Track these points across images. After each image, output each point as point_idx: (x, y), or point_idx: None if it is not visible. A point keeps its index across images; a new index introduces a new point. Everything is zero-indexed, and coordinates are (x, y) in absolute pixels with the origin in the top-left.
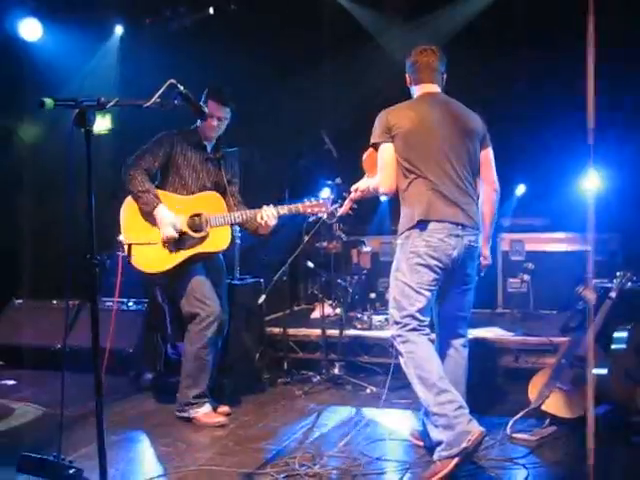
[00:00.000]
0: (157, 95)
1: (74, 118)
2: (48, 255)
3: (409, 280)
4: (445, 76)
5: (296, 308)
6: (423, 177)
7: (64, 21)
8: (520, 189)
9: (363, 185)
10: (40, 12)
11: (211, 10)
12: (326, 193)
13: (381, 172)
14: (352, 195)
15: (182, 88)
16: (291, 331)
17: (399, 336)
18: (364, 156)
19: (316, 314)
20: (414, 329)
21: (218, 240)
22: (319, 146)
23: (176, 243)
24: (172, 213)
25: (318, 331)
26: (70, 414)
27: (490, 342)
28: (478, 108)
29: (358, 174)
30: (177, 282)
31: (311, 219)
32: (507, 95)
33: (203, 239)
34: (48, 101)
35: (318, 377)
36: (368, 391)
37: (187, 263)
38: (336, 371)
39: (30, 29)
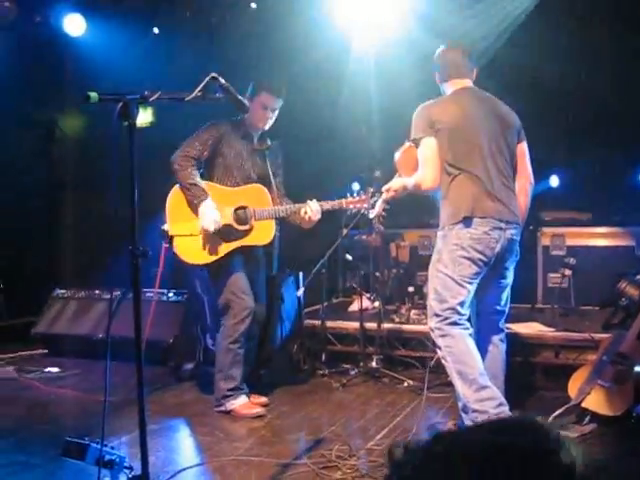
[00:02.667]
0: (199, 89)
1: (118, 111)
2: (90, 245)
3: (451, 272)
4: (476, 70)
5: (334, 301)
6: (468, 172)
7: (107, 16)
8: (553, 180)
9: (397, 184)
10: (84, 7)
11: (253, 5)
12: (356, 186)
13: (424, 167)
14: (384, 196)
15: (223, 81)
16: (329, 323)
17: (438, 329)
18: (397, 154)
19: (354, 307)
20: (455, 323)
21: (262, 234)
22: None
23: (220, 235)
24: (216, 209)
25: (356, 324)
26: (112, 402)
27: (528, 337)
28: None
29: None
30: (216, 274)
31: (349, 212)
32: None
33: (247, 232)
34: (93, 95)
35: (356, 370)
36: (405, 384)
37: (229, 255)
38: (374, 364)
39: (74, 24)
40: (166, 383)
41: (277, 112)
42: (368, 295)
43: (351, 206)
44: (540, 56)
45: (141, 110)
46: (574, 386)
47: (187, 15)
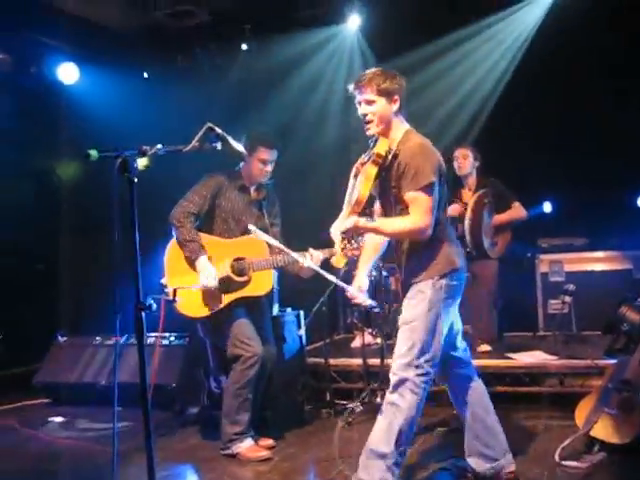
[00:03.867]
0: (196, 140)
1: (117, 167)
2: (90, 292)
3: (442, 324)
4: None
5: (336, 337)
6: (446, 221)
7: (99, 63)
8: (547, 206)
9: (364, 225)
10: (76, 56)
11: (244, 46)
12: None
13: (428, 214)
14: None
15: (220, 131)
16: (332, 361)
17: (413, 383)
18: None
19: (356, 343)
20: (428, 382)
21: (261, 284)
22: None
23: (220, 287)
24: (212, 266)
25: (359, 360)
26: (119, 451)
27: (532, 367)
28: None
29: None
30: (219, 326)
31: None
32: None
33: (246, 283)
34: (93, 153)
35: (361, 407)
36: None
37: (230, 306)
38: (378, 400)
39: (68, 73)
40: (171, 428)
41: (274, 163)
42: (370, 331)
43: (350, 254)
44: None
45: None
46: (581, 415)
47: (178, 59)
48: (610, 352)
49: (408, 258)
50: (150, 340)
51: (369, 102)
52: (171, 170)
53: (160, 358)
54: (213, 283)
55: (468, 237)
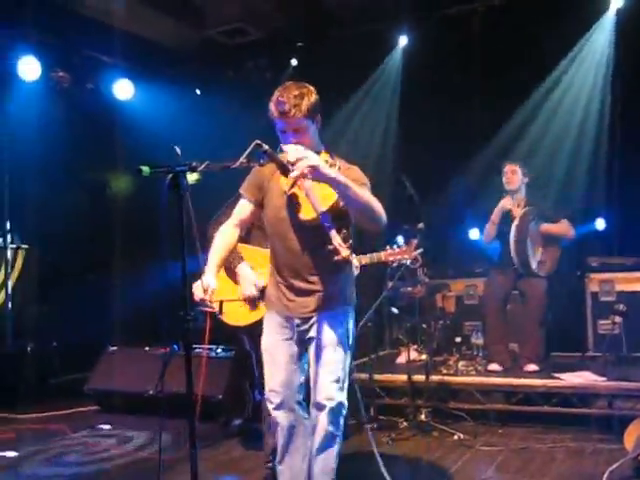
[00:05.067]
0: (244, 156)
1: (168, 183)
2: (141, 303)
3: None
4: None
5: (381, 353)
6: None
7: (154, 81)
8: (599, 223)
9: (344, 180)
10: (132, 73)
11: (294, 62)
12: (401, 240)
13: None
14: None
15: (267, 147)
16: (377, 376)
17: (345, 410)
18: None
19: (402, 359)
20: None
21: None
22: (399, 190)
23: (261, 295)
24: (253, 271)
25: (404, 376)
26: (164, 460)
27: (580, 387)
28: None
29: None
30: (260, 334)
31: (394, 265)
32: None
33: None
34: (145, 168)
35: (405, 423)
36: (455, 437)
37: None
38: (423, 417)
39: (123, 90)
40: (216, 439)
41: None
42: (415, 347)
43: (391, 258)
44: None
45: None
46: (630, 438)
47: (229, 75)
48: None
49: (321, 279)
50: (198, 352)
51: (298, 130)
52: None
53: (207, 370)
54: (254, 290)
55: (514, 255)
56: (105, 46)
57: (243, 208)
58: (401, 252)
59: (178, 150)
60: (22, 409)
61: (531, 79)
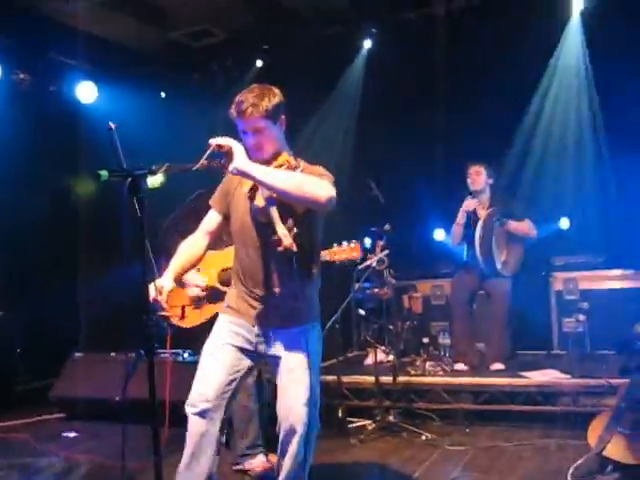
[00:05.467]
0: (204, 158)
1: (127, 186)
2: (106, 309)
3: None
4: None
5: (349, 355)
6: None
7: (117, 83)
8: (564, 223)
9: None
10: (95, 76)
11: (259, 63)
12: (368, 242)
13: (335, 190)
14: None
15: (225, 144)
16: (345, 378)
17: (313, 435)
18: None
19: (369, 360)
20: None
21: None
22: (364, 192)
23: (208, 298)
24: (198, 273)
25: (371, 378)
26: (129, 468)
27: (546, 385)
28: None
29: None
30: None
31: (360, 266)
32: None
33: None
34: (103, 173)
35: (373, 424)
36: (424, 438)
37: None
38: (391, 418)
39: (86, 92)
40: (183, 445)
41: None
42: (383, 348)
43: (336, 257)
44: None
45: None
46: (594, 434)
47: (194, 77)
48: (625, 371)
49: (289, 291)
50: (163, 357)
51: (258, 130)
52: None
53: (173, 375)
54: (198, 291)
55: (479, 255)
56: (68, 48)
57: (211, 219)
58: (349, 249)
59: (112, 125)
60: None
61: (499, 81)
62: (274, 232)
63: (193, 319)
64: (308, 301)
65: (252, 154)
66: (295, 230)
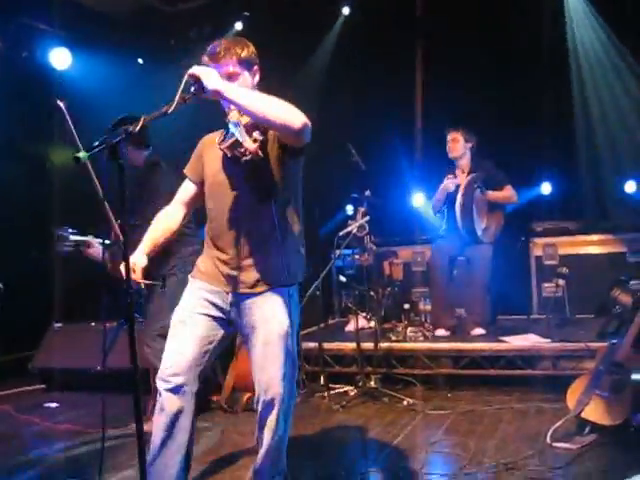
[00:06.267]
0: (178, 93)
1: (107, 154)
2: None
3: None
4: None
5: (331, 322)
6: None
7: (93, 49)
8: (546, 187)
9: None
10: (69, 42)
11: (238, 26)
12: (350, 209)
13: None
14: None
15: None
16: (326, 345)
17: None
18: None
19: (350, 327)
20: None
21: None
22: (345, 158)
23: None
24: None
25: (353, 344)
26: (112, 435)
27: (525, 350)
28: None
29: (385, 186)
30: None
31: (341, 233)
32: None
33: None
34: (82, 155)
35: (355, 390)
36: (405, 403)
37: None
38: (372, 384)
39: (60, 58)
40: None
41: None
42: (364, 314)
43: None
44: None
45: None
46: (573, 397)
47: (171, 44)
48: (602, 335)
49: (262, 249)
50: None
51: (231, 75)
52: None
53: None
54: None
55: (460, 220)
56: (41, 13)
57: (186, 190)
58: None
59: (61, 103)
60: None
61: (477, 41)
62: (240, 145)
63: None
64: (285, 261)
65: (225, 104)
66: (261, 138)
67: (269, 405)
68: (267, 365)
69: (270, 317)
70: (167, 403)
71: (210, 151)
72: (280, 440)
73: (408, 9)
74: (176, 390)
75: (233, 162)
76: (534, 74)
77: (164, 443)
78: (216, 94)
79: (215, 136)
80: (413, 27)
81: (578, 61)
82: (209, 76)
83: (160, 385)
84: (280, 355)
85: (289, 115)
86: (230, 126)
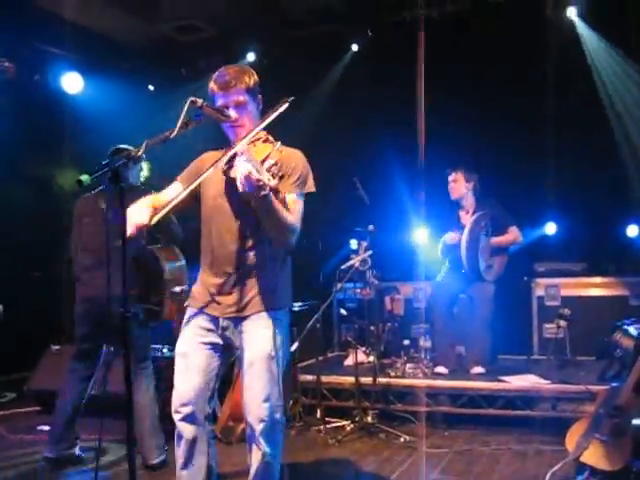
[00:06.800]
0: (181, 119)
1: (109, 178)
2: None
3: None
4: None
5: (330, 355)
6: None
7: (104, 74)
8: (550, 227)
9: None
10: (81, 66)
11: (251, 57)
12: (354, 243)
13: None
14: None
15: (201, 101)
16: (324, 378)
17: (282, 424)
18: None
19: (349, 361)
20: None
21: None
22: (349, 192)
23: None
24: None
25: (351, 379)
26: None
27: (525, 390)
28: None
29: (388, 221)
30: None
31: (343, 266)
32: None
33: None
34: (84, 178)
35: (351, 425)
36: (402, 440)
37: None
38: (369, 419)
39: (72, 83)
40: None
41: None
42: (363, 349)
43: None
44: None
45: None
46: (572, 440)
47: (182, 73)
48: (603, 378)
49: (255, 273)
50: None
51: (239, 104)
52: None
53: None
54: None
55: (465, 259)
56: (54, 37)
57: (174, 191)
58: None
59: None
60: None
61: (479, 86)
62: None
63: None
64: (274, 287)
65: (230, 132)
66: (279, 175)
67: (254, 427)
68: (252, 385)
69: (255, 339)
70: (183, 431)
71: (211, 174)
72: (268, 464)
73: (413, 47)
74: (188, 419)
75: (234, 188)
76: (539, 110)
77: (185, 466)
78: (245, 195)
79: (216, 155)
80: (417, 64)
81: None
82: (245, 171)
83: (174, 416)
84: (263, 376)
85: (288, 235)
86: (242, 160)
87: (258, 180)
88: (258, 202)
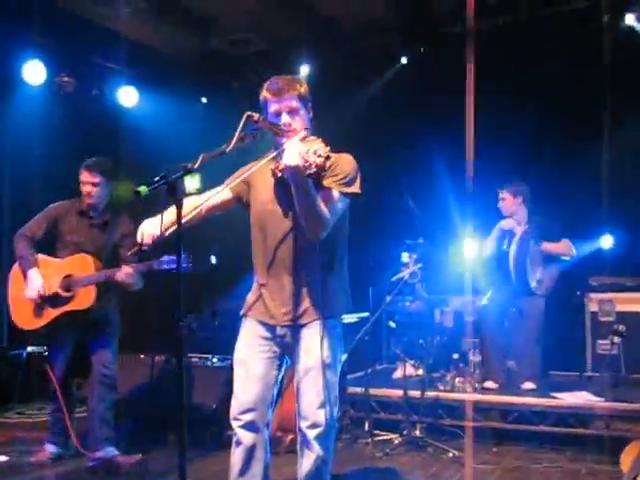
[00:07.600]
0: (237, 133)
1: (165, 191)
2: (137, 310)
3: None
4: None
5: (378, 367)
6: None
7: (159, 89)
8: (607, 240)
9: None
10: (137, 80)
11: (304, 70)
12: (405, 256)
13: (334, 219)
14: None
15: (257, 115)
16: (373, 391)
17: (334, 428)
18: None
19: (398, 374)
20: None
21: (84, 298)
22: (399, 205)
23: (49, 302)
24: (40, 278)
25: (400, 391)
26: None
27: (577, 407)
28: None
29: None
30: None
31: (393, 279)
32: None
33: (71, 298)
34: (142, 189)
35: (399, 438)
36: (450, 455)
37: (56, 321)
38: (417, 433)
39: (128, 96)
40: (208, 449)
41: (100, 188)
42: (412, 362)
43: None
44: None
45: (187, 179)
46: (627, 460)
47: (234, 86)
48: None
49: (308, 281)
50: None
51: (292, 110)
52: None
53: (201, 379)
54: (31, 294)
55: (513, 272)
56: (111, 52)
57: (220, 194)
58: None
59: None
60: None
61: (529, 98)
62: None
63: (32, 322)
64: (329, 295)
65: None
66: (326, 153)
67: (308, 433)
68: (308, 391)
69: (312, 347)
70: (242, 438)
71: (258, 178)
72: (320, 468)
73: (462, 60)
74: (248, 427)
75: (286, 192)
76: (596, 119)
77: (242, 473)
78: (289, 169)
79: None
80: (466, 78)
81: None
82: (293, 149)
83: (233, 423)
84: (319, 382)
85: (319, 226)
86: (289, 142)
87: (304, 156)
88: (299, 182)
